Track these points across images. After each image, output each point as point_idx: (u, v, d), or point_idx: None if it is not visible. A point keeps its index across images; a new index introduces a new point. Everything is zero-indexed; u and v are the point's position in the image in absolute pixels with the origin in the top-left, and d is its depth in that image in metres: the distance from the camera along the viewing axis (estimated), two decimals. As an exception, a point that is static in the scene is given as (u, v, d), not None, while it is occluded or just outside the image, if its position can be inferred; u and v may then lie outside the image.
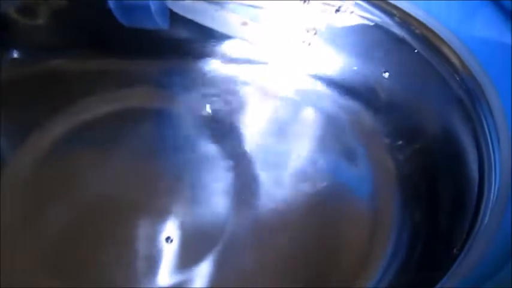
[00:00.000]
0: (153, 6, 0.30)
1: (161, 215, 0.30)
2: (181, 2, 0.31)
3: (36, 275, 0.28)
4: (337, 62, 0.35)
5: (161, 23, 0.31)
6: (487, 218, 0.24)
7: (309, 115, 0.36)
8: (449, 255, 0.25)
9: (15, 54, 0.35)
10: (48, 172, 0.32)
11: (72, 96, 0.34)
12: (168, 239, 0.29)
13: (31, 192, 0.31)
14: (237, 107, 0.35)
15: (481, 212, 0.25)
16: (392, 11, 0.31)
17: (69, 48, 0.35)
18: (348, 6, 0.31)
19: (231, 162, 0.33)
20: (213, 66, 0.36)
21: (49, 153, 0.32)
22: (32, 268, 0.28)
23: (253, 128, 0.35)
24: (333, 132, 0.34)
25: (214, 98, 0.35)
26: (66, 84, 0.35)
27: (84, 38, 0.36)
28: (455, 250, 0.25)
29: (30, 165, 0.32)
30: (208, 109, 0.35)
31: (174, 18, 0.32)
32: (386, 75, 0.33)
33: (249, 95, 0.36)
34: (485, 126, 0.27)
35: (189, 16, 0.32)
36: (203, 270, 0.28)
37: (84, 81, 0.35)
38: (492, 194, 0.25)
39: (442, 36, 0.29)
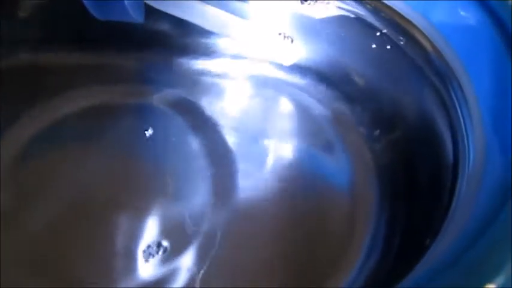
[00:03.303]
0: (127, 1, 0.30)
1: (141, 211, 0.30)
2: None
3: (16, 273, 0.27)
4: (314, 54, 0.34)
5: (136, 17, 0.31)
6: (460, 202, 0.23)
7: (286, 107, 0.35)
8: (423, 246, 0.24)
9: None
10: (26, 169, 0.31)
11: (50, 91, 0.34)
12: (146, 235, 0.29)
13: (10, 189, 0.30)
14: (216, 102, 0.35)
15: (454, 201, 0.24)
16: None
17: (48, 43, 0.35)
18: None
19: (211, 157, 0.32)
20: (194, 61, 0.36)
21: (28, 149, 0.32)
22: (12, 266, 0.28)
23: (232, 121, 0.34)
24: (310, 124, 0.34)
25: (194, 93, 0.35)
26: (45, 79, 0.35)
27: (63, 33, 0.35)
28: (428, 241, 0.24)
29: (8, 162, 0.31)
30: (188, 104, 0.35)
31: (155, 13, 0.32)
32: (361, 65, 0.33)
33: (228, 89, 0.36)
34: (459, 110, 0.26)
35: (170, 11, 0.32)
36: (182, 267, 0.28)
37: (63, 76, 0.35)
38: (465, 178, 0.24)
39: (414, 21, 0.28)
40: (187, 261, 0.28)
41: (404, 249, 0.27)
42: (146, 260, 0.28)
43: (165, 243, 0.29)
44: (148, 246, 0.29)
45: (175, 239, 0.29)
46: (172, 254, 0.28)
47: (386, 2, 0.29)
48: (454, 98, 0.26)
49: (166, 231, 0.29)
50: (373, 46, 0.31)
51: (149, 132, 0.33)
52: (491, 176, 0.22)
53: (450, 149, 0.26)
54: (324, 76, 0.34)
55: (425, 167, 0.29)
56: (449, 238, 0.21)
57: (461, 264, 0.19)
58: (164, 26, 0.35)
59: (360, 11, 0.31)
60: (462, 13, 0.27)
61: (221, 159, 0.32)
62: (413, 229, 0.28)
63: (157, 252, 0.28)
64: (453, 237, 0.21)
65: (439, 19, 0.28)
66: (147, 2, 0.31)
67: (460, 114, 0.26)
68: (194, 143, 0.33)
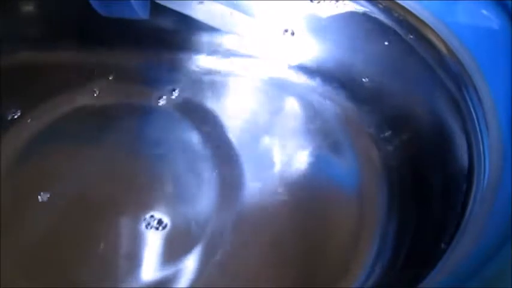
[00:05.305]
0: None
1: (143, 212, 0.29)
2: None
3: (16, 274, 0.27)
4: (322, 53, 0.34)
5: (141, 13, 0.30)
6: (476, 210, 0.23)
7: (294, 107, 0.35)
8: (437, 251, 0.24)
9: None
10: (27, 169, 0.31)
11: (51, 91, 0.34)
12: (150, 236, 0.28)
13: (8, 191, 0.30)
14: (220, 100, 0.35)
15: (470, 203, 0.24)
16: (377, -2, 0.30)
17: (48, 41, 0.35)
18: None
19: (214, 157, 0.32)
20: (197, 58, 0.35)
21: (28, 149, 0.32)
22: (12, 267, 0.27)
23: (238, 121, 0.34)
24: (318, 124, 0.34)
25: (198, 91, 0.35)
26: (45, 78, 0.34)
27: (64, 31, 0.35)
28: (443, 245, 0.24)
29: (8, 162, 0.31)
30: (192, 103, 0.34)
31: (159, 9, 0.31)
32: (371, 65, 0.32)
33: (233, 87, 0.35)
34: (474, 114, 0.26)
35: (174, 7, 0.32)
36: (186, 268, 0.28)
37: (63, 76, 0.34)
38: (481, 185, 0.24)
39: (428, 22, 0.28)
40: (191, 262, 0.28)
41: (414, 255, 0.27)
42: (149, 260, 0.28)
43: (167, 244, 0.28)
44: (152, 247, 0.28)
45: (180, 240, 0.29)
46: (176, 255, 0.28)
47: (398, 1, 0.29)
48: (469, 101, 0.26)
49: (170, 232, 0.29)
50: (384, 46, 0.31)
51: (151, 132, 0.33)
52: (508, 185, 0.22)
53: (465, 155, 0.26)
54: (333, 76, 0.34)
55: (437, 170, 0.29)
56: (463, 249, 0.21)
57: (480, 277, 0.19)
58: (168, 24, 0.34)
59: (372, 10, 0.30)
60: (480, 14, 0.26)
61: (226, 160, 0.32)
62: (424, 233, 0.27)
63: (161, 253, 0.28)
64: (468, 248, 0.21)
65: (454, 20, 0.28)
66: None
67: (474, 118, 0.25)
68: (199, 143, 0.32)
